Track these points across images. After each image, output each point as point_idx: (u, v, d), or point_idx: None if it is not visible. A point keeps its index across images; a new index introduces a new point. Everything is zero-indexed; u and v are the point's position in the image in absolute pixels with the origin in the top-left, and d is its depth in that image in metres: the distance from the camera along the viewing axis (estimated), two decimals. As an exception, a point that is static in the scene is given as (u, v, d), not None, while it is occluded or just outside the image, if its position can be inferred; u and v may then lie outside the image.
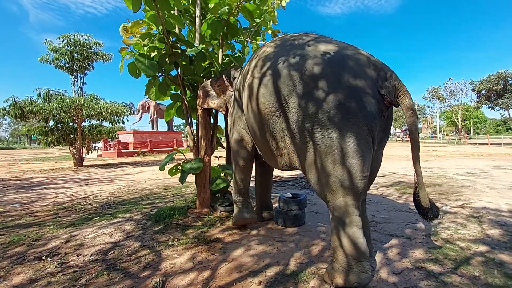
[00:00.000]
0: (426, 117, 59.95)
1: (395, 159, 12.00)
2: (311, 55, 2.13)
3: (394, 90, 1.97)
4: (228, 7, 3.33)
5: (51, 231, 3.31)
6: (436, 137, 43.16)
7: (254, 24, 3.91)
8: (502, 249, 2.49)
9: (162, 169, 3.62)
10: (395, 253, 2.47)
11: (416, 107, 50.99)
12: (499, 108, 31.06)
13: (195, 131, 3.84)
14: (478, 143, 27.31)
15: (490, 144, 24.33)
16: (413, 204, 4.08)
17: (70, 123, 11.99)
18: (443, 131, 52.23)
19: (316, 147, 2.01)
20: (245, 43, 4.22)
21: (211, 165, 3.90)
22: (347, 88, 1.93)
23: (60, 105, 10.75)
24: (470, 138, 37.64)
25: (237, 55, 4.22)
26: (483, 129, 58.75)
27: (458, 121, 39.91)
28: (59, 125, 11.79)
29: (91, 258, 2.53)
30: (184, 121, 3.87)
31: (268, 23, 4.06)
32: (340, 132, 1.91)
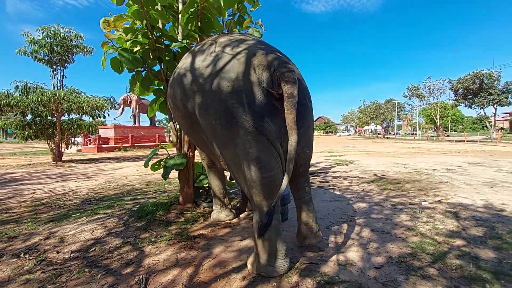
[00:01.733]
0: (406, 115, 61.71)
1: (376, 156, 12.30)
2: (202, 58, 2.20)
3: (275, 79, 1.86)
4: (196, 4, 3.28)
5: (29, 228, 3.20)
6: (416, 134, 44.50)
7: (228, 15, 3.78)
8: (477, 243, 2.60)
9: (146, 165, 3.56)
10: (375, 247, 2.54)
11: (397, 104, 52.32)
12: (475, 107, 32.36)
13: (178, 127, 3.79)
14: (456, 140, 28.38)
15: (467, 141, 25.33)
16: (394, 199, 4.23)
17: (49, 117, 11.58)
18: (422, 128, 53.91)
19: (220, 154, 2.20)
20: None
21: (195, 160, 3.87)
22: (228, 92, 1.94)
23: (39, 99, 10.36)
24: (448, 135, 39.01)
25: None
26: (460, 126, 61.04)
27: (436, 119, 41.30)
28: (37, 119, 11.36)
29: (71, 255, 2.47)
30: (167, 116, 3.80)
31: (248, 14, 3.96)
32: (231, 138, 2.00)
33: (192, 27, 3.53)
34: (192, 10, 3.30)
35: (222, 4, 3.11)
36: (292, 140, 1.79)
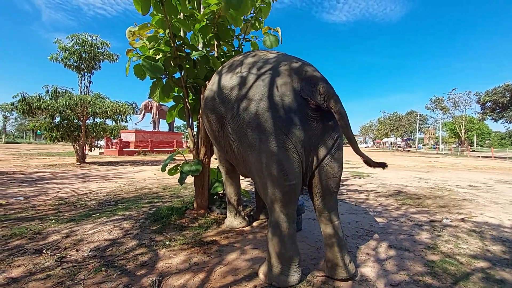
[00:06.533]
0: (428, 128, 59.65)
1: (396, 169, 11.95)
2: (239, 72, 2.31)
3: (320, 94, 1.95)
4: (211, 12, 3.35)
5: (52, 225, 3.34)
6: (438, 148, 42.87)
7: (242, 23, 3.81)
8: (504, 265, 2.45)
9: (163, 170, 3.64)
10: (392, 264, 2.45)
11: (419, 116, 50.76)
12: (504, 121, 30.79)
13: (195, 133, 3.86)
14: (482, 156, 27.09)
15: (494, 157, 24.12)
16: (413, 215, 4.09)
17: (75, 120, 12.15)
18: (446, 143, 51.88)
19: (245, 159, 2.24)
20: (241, 40, 4.14)
21: (211, 167, 3.92)
22: (264, 100, 2.03)
23: (67, 103, 10.93)
24: (473, 151, 37.32)
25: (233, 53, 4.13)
26: (487, 141, 58.29)
27: (461, 133, 39.66)
28: (64, 121, 11.95)
29: (89, 253, 2.55)
30: (185, 122, 3.89)
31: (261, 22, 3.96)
32: (257, 144, 2.05)
33: (209, 35, 3.61)
34: (207, 17, 3.38)
35: (235, 14, 3.20)
36: (355, 145, 1.96)
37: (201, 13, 3.53)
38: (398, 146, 54.74)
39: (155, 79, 3.57)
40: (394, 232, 3.32)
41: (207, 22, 3.50)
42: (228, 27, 3.75)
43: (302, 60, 2.31)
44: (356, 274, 2.17)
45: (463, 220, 3.91)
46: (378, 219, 3.87)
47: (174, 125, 32.46)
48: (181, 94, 3.87)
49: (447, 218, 3.96)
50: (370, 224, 3.63)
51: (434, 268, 2.37)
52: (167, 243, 2.82)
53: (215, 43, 3.83)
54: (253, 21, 3.89)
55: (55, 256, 2.46)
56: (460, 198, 5.54)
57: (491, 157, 24.66)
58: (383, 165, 1.95)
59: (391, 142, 61.34)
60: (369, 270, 2.33)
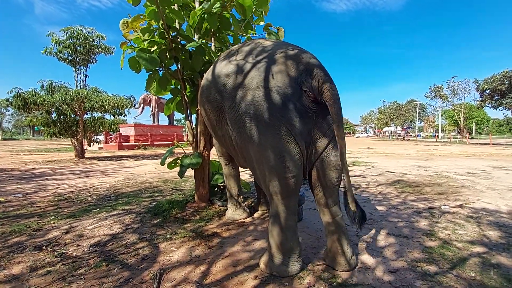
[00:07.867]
0: (428, 116, 59.65)
1: (395, 158, 11.99)
2: (238, 61, 2.25)
3: (317, 86, 1.91)
4: (220, 2, 3.27)
5: (51, 222, 3.35)
6: (438, 136, 42.96)
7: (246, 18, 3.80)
8: (500, 250, 2.48)
9: (163, 163, 3.64)
10: (391, 251, 2.48)
11: (419, 105, 50.72)
12: (502, 108, 30.77)
13: (194, 126, 3.84)
14: (480, 143, 27.18)
15: (492, 144, 24.21)
16: (412, 203, 4.11)
17: (72, 115, 12.06)
18: (445, 130, 51.91)
19: (244, 150, 2.20)
20: (237, 35, 4.11)
21: (211, 159, 3.91)
22: (263, 90, 1.98)
23: (63, 97, 10.81)
24: (472, 138, 37.39)
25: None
26: (485, 129, 58.40)
27: (460, 121, 39.68)
28: (61, 117, 11.87)
29: (90, 249, 2.56)
30: (184, 115, 3.86)
31: (261, 15, 3.93)
32: (257, 135, 2.00)
33: (213, 26, 3.51)
34: (217, 7, 3.29)
35: (252, 4, 3.14)
36: (343, 148, 1.84)
37: (197, 4, 3.45)
38: (398, 135, 54.80)
39: (151, 72, 3.52)
40: (393, 220, 3.34)
41: (203, 12, 3.40)
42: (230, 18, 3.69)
43: (299, 47, 2.25)
44: (357, 265, 2.19)
45: (460, 206, 3.94)
46: (378, 207, 3.90)
47: (174, 118, 32.33)
48: (179, 87, 3.82)
49: (445, 205, 3.99)
50: (370, 212, 3.65)
51: (432, 254, 2.40)
52: (168, 236, 2.84)
53: (211, 34, 3.75)
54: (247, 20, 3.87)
55: (55, 252, 2.47)
56: (458, 185, 5.57)
57: (489, 144, 24.75)
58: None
59: (391, 131, 61.42)
60: (368, 257, 2.36)
